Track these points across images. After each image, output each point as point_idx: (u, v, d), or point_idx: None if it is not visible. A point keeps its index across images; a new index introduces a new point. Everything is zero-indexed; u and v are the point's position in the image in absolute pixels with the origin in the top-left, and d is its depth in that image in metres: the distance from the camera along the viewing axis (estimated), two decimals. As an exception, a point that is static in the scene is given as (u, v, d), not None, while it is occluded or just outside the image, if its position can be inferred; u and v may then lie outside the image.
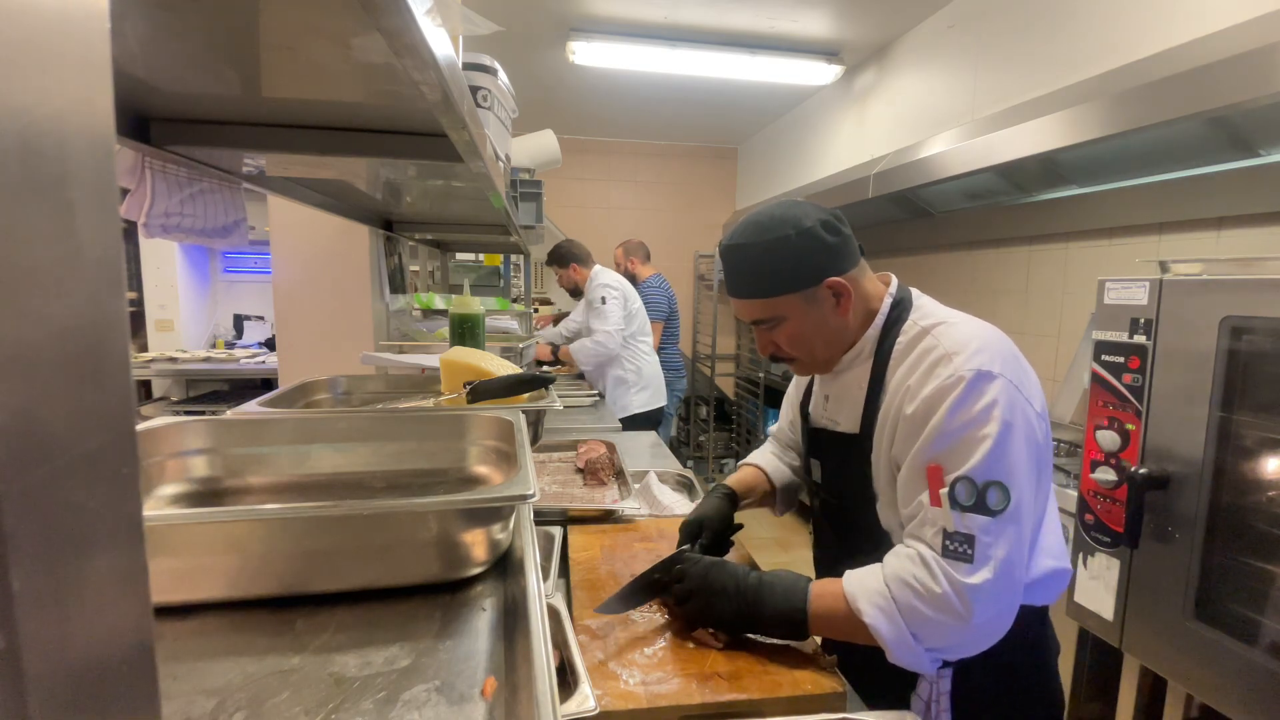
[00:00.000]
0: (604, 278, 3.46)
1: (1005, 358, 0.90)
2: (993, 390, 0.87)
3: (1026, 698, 1.01)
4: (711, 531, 1.16)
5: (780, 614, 0.92)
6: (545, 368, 3.51)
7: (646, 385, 3.48)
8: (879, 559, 0.94)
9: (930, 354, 0.93)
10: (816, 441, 1.13)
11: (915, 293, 1.06)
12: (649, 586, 1.02)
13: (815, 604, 0.92)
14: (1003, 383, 0.87)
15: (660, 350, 3.85)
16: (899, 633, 0.85)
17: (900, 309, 1.02)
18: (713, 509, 1.19)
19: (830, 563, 1.16)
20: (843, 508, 1.09)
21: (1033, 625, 0.99)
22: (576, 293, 3.67)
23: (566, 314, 4.54)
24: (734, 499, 1.25)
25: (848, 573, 0.93)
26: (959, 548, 0.84)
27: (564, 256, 3.61)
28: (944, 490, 0.85)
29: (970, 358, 0.89)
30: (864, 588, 0.89)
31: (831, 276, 0.97)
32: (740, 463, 1.38)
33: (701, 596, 0.95)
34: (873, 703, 0.92)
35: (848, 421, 1.05)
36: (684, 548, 1.12)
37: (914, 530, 0.90)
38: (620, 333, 3.34)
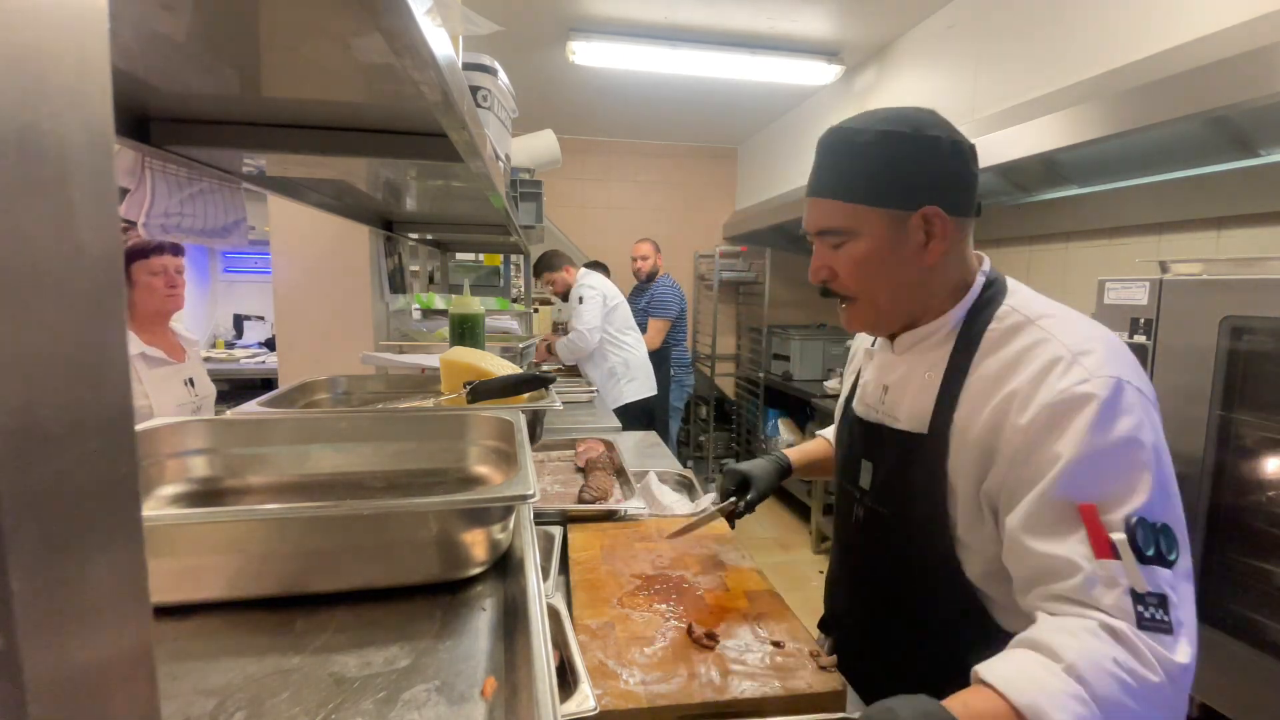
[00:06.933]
0: (587, 279, 3.64)
1: (1134, 365, 0.74)
2: (1137, 407, 0.69)
3: None
4: (758, 491, 1.18)
5: None
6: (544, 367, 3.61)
7: (635, 376, 3.66)
8: (929, 597, 0.79)
9: (1041, 350, 0.75)
10: (871, 440, 0.94)
11: (1010, 279, 0.90)
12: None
13: None
14: (1143, 399, 0.71)
15: (672, 347, 4.08)
16: None
17: (994, 290, 0.86)
18: (762, 470, 1.20)
19: (853, 592, 1.01)
20: (894, 525, 0.89)
21: None
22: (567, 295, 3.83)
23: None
24: (786, 470, 1.24)
25: (995, 672, 0.62)
26: (1155, 615, 0.62)
27: (554, 261, 3.74)
28: (1120, 536, 0.65)
29: (1103, 364, 0.71)
30: (1047, 692, 0.59)
31: (932, 205, 0.79)
32: (819, 433, 1.38)
33: None
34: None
35: (911, 418, 0.86)
36: (730, 498, 1.18)
37: (1076, 594, 0.65)
38: (596, 330, 3.51)
